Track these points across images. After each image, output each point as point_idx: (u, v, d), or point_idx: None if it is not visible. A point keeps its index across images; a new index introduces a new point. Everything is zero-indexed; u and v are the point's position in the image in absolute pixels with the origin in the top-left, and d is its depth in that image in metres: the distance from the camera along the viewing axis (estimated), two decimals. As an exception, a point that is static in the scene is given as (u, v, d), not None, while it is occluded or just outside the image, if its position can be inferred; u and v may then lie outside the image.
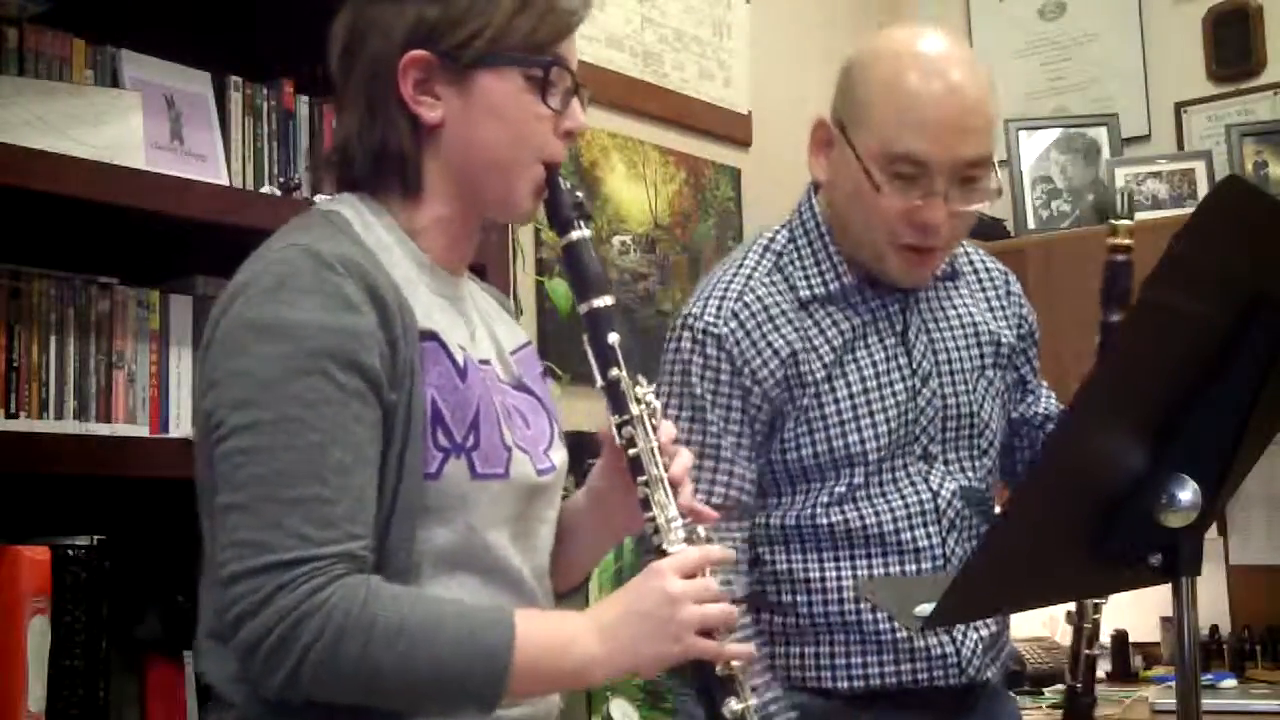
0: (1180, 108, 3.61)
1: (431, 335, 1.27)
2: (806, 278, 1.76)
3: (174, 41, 1.93)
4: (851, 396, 1.71)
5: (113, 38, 1.86)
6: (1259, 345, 1.13)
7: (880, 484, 1.71)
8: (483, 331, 1.39)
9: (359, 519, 1.18)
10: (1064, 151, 3.64)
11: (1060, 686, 2.74)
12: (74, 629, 1.60)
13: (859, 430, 1.71)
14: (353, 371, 1.19)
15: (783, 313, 1.73)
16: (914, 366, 1.75)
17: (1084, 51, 3.78)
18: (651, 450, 1.30)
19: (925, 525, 1.71)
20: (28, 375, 1.67)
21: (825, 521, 1.70)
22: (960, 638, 1.71)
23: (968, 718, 1.77)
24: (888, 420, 1.72)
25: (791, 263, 1.77)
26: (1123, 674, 3.15)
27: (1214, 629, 3.21)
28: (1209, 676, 2.97)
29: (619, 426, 1.32)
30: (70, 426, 1.70)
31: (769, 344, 1.71)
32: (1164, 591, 1.19)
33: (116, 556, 1.65)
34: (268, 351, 1.18)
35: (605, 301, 1.34)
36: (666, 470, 1.30)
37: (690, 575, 1.25)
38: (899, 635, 1.68)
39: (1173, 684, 1.30)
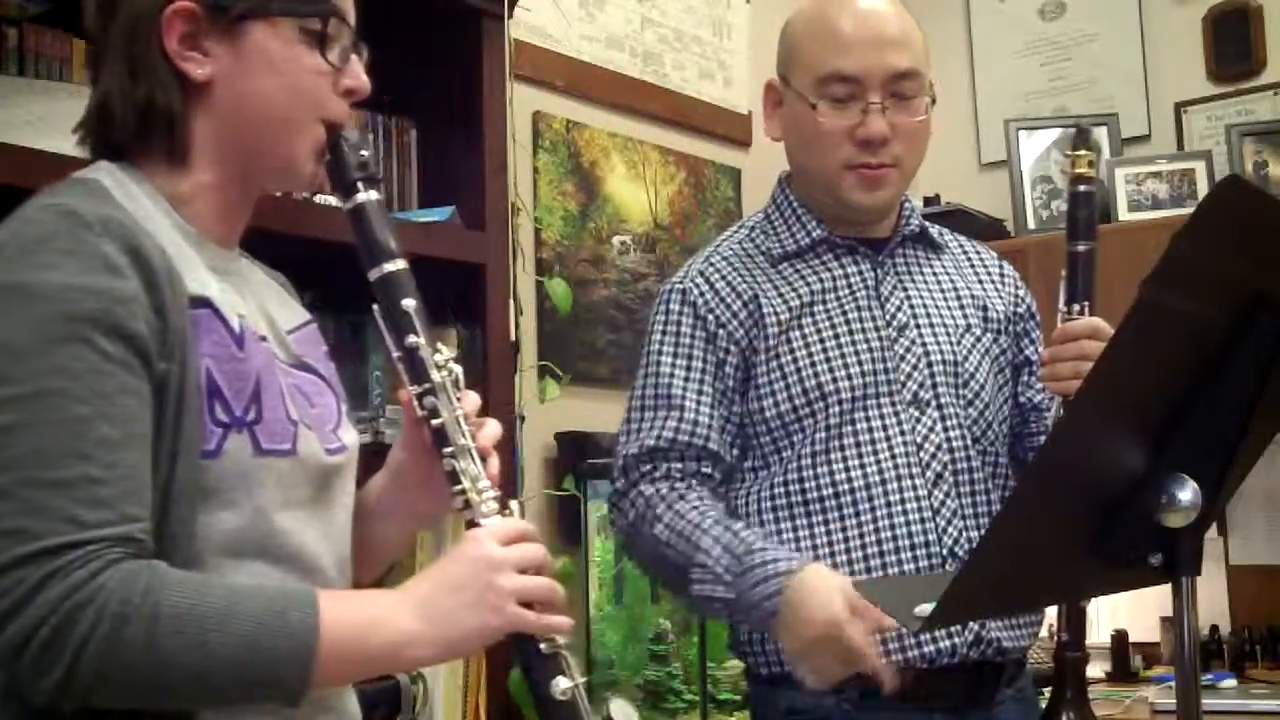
0: (1180, 108, 3.61)
1: (204, 301, 1.16)
2: (778, 238, 1.82)
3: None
4: (821, 340, 1.74)
5: (113, 38, 1.86)
6: (1259, 345, 1.13)
7: (862, 430, 1.71)
8: (255, 309, 1.27)
9: (134, 499, 1.06)
10: (1064, 152, 3.64)
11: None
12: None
13: (830, 370, 1.72)
14: (117, 338, 1.08)
15: (751, 268, 1.79)
16: (888, 319, 1.77)
17: (1084, 51, 3.78)
18: (456, 419, 1.23)
19: (911, 477, 1.71)
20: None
21: (811, 481, 1.71)
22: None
23: (989, 711, 1.74)
24: (860, 363, 1.73)
25: (764, 231, 1.84)
26: (1123, 674, 3.15)
27: (1214, 629, 3.21)
28: (1209, 676, 2.97)
29: (420, 396, 1.24)
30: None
31: (733, 289, 1.77)
32: (1164, 591, 1.19)
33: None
34: (21, 318, 1.06)
35: (396, 265, 1.25)
36: (474, 440, 1.24)
37: (511, 543, 1.18)
38: None
39: (1173, 684, 1.30)
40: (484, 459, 1.25)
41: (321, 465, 1.23)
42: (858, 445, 1.71)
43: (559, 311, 2.77)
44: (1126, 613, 3.10)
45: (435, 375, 1.24)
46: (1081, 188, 1.79)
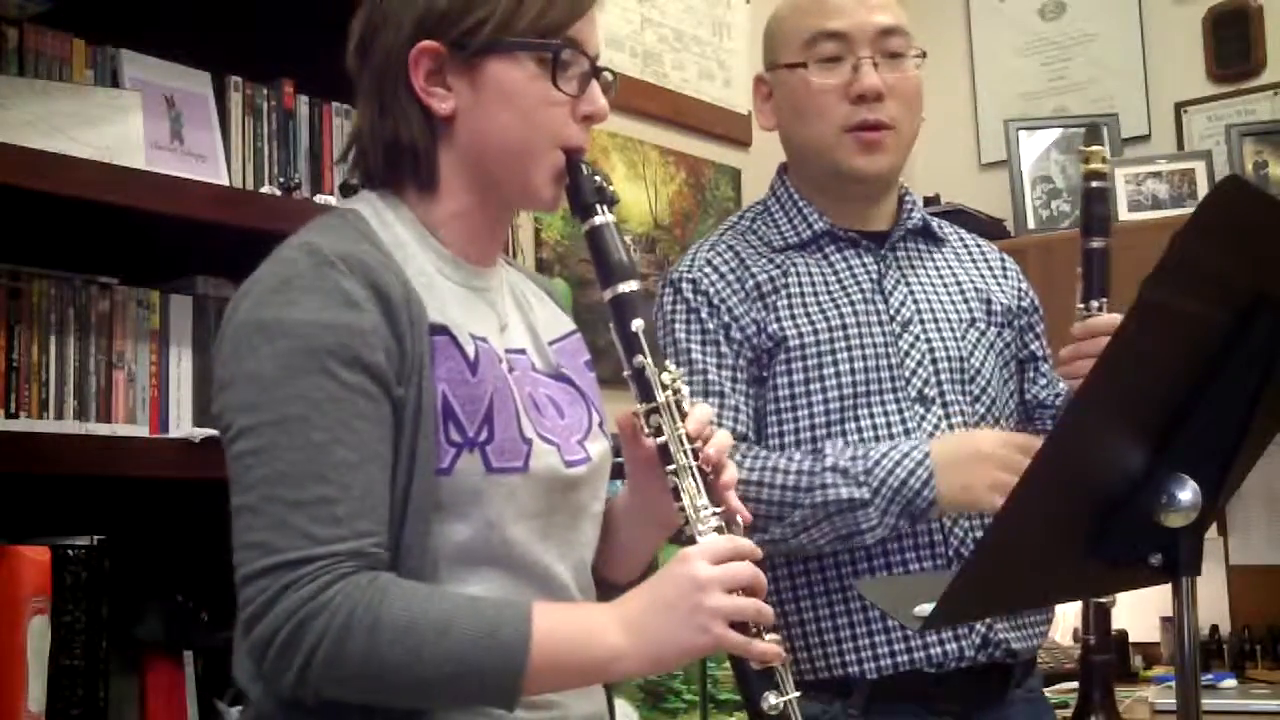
0: (1180, 108, 3.61)
1: (442, 329, 1.25)
2: (779, 230, 1.82)
3: (174, 41, 1.93)
4: (830, 329, 1.73)
5: (113, 38, 1.87)
6: (1259, 345, 1.13)
7: (862, 429, 1.71)
8: (517, 321, 1.38)
9: (367, 516, 1.16)
10: (1064, 151, 3.64)
11: (1063, 686, 2.75)
12: (74, 629, 1.61)
13: (834, 361, 1.72)
14: (356, 368, 1.17)
15: (754, 258, 1.79)
16: (891, 313, 1.77)
17: (1084, 51, 3.78)
18: (679, 438, 1.27)
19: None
20: (28, 375, 1.67)
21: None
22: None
23: (999, 711, 1.74)
24: (864, 356, 1.73)
25: (765, 223, 1.84)
26: (1123, 674, 3.15)
27: (1214, 629, 3.21)
28: (1209, 676, 2.97)
29: (647, 415, 1.29)
30: (70, 426, 1.70)
31: (740, 281, 1.76)
32: (1164, 591, 1.19)
33: (116, 556, 1.65)
34: (269, 351, 1.17)
35: (630, 287, 1.31)
36: (697, 458, 1.27)
37: (720, 562, 1.20)
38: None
39: (1173, 684, 1.30)
40: (708, 475, 1.27)
41: (558, 478, 1.29)
42: (861, 440, 1.70)
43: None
44: (1126, 613, 3.09)
45: (659, 395, 1.28)
46: (1095, 184, 1.79)
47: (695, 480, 1.26)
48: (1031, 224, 3.62)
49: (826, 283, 1.77)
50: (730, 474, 1.29)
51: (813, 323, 1.74)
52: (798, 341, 1.72)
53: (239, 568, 1.16)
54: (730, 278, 1.76)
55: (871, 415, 1.71)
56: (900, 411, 1.72)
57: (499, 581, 1.24)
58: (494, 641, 1.14)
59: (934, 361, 1.75)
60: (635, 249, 3.20)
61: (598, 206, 1.31)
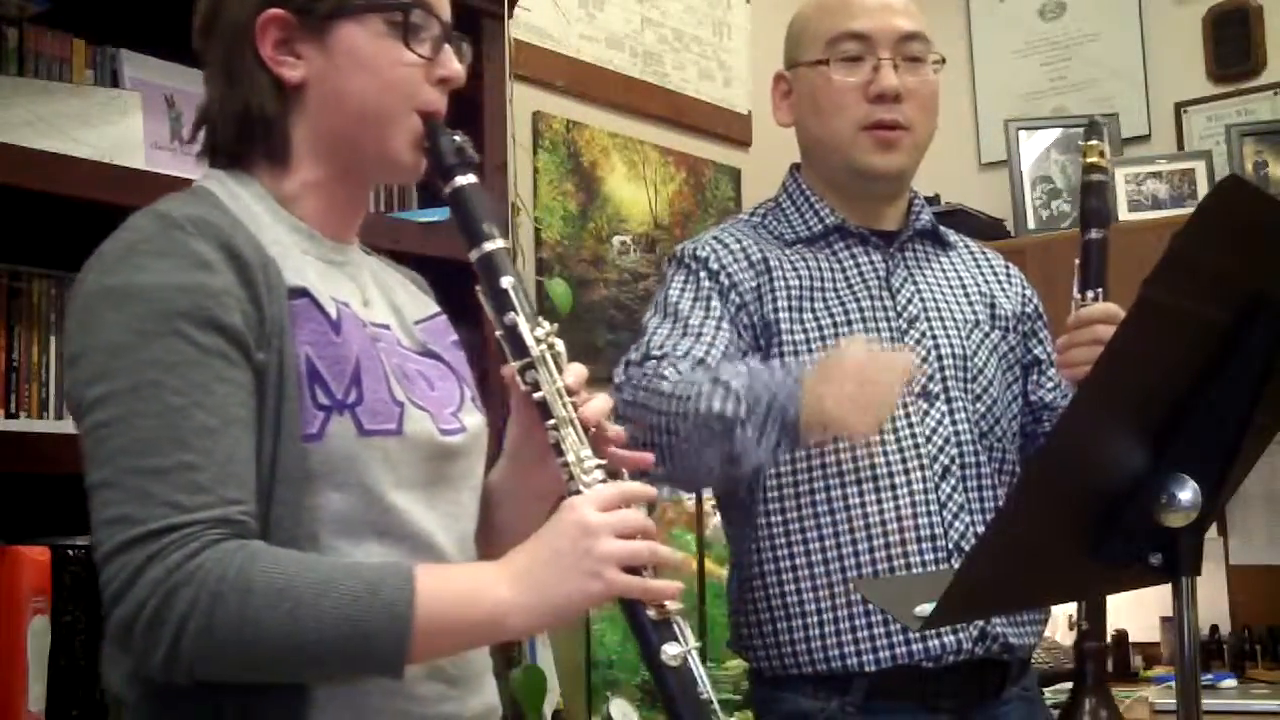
0: (1180, 108, 3.61)
1: (301, 292, 1.20)
2: (790, 224, 1.84)
3: (174, 41, 1.93)
4: (834, 321, 1.74)
5: (113, 38, 1.87)
6: (1259, 345, 1.13)
7: None
8: (380, 300, 1.33)
9: (233, 482, 1.11)
10: (1064, 151, 3.64)
11: (1062, 686, 2.74)
12: (74, 629, 1.60)
13: None
14: (211, 330, 1.12)
15: (763, 244, 1.80)
16: (899, 310, 1.78)
17: (1084, 51, 3.78)
18: (557, 390, 1.24)
19: (920, 469, 1.70)
20: (28, 375, 1.67)
21: (819, 468, 1.70)
22: None
23: (996, 708, 1.73)
24: None
25: (776, 219, 1.85)
26: (1123, 674, 3.15)
27: (1214, 629, 3.21)
28: (1209, 676, 2.97)
29: (521, 371, 1.25)
30: (70, 426, 1.69)
31: (747, 257, 1.77)
32: (1164, 591, 1.19)
33: (116, 556, 1.65)
34: (118, 318, 1.12)
35: (496, 245, 1.28)
36: (578, 410, 1.24)
37: (610, 509, 1.18)
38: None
39: (1173, 684, 1.30)
40: (590, 430, 1.24)
41: (435, 444, 1.25)
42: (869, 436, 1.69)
43: (559, 311, 2.77)
44: (1126, 613, 3.09)
45: (535, 349, 1.25)
46: (1094, 177, 1.80)
47: (577, 432, 1.23)
48: (1031, 224, 3.62)
49: (834, 277, 1.78)
50: (614, 430, 1.26)
51: (817, 317, 1.74)
52: (803, 335, 1.73)
53: (98, 548, 1.09)
54: (735, 249, 1.78)
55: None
56: (904, 406, 1.72)
57: (383, 554, 1.19)
58: (376, 600, 1.09)
59: (939, 358, 1.76)
60: (635, 249, 3.20)
61: (459, 168, 1.28)
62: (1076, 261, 1.80)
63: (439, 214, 2.20)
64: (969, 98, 3.90)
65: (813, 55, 1.80)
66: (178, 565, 1.07)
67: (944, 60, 1.85)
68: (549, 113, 3.03)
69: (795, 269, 1.77)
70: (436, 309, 1.42)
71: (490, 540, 1.37)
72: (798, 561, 1.71)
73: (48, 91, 1.75)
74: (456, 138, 1.29)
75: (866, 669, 1.66)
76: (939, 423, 1.73)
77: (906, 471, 1.70)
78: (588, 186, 3.10)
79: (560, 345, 1.27)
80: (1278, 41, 3.50)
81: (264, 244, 1.20)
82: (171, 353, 1.11)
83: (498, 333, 1.27)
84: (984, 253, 1.96)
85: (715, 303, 1.73)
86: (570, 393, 1.25)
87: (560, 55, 3.06)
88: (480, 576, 1.17)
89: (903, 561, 1.68)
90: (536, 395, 1.25)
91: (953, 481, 1.72)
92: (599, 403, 1.27)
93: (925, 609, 1.17)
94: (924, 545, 1.69)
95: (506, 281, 1.27)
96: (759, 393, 1.55)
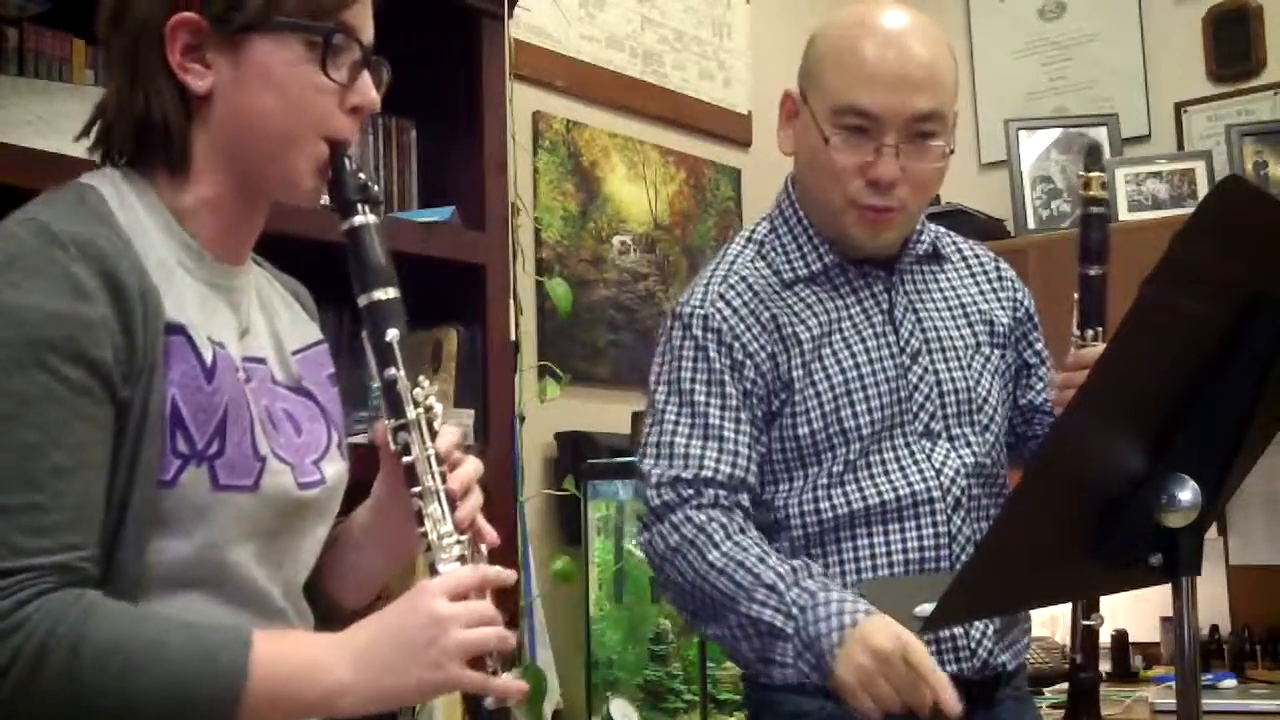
0: (1180, 108, 3.61)
1: (178, 329, 1.15)
2: (789, 261, 1.78)
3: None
4: (843, 372, 1.72)
5: (113, 38, 1.86)
6: (1259, 345, 1.13)
7: (879, 462, 1.70)
8: (261, 326, 1.28)
9: (78, 528, 1.06)
10: (1064, 151, 3.64)
11: (1062, 686, 2.74)
12: None
13: (851, 405, 1.70)
14: (79, 365, 1.07)
15: (768, 292, 1.75)
16: (902, 344, 1.76)
17: (1084, 51, 3.78)
18: (428, 459, 1.19)
19: (931, 504, 1.70)
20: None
21: (827, 504, 1.69)
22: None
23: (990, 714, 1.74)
24: (880, 395, 1.71)
25: (774, 249, 1.80)
26: (1123, 674, 3.15)
27: (1214, 629, 3.21)
28: (1209, 676, 2.96)
29: (394, 431, 1.20)
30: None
31: (756, 318, 1.73)
32: (1164, 591, 1.19)
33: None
34: None
35: (387, 294, 1.21)
36: (445, 481, 1.20)
37: (462, 597, 1.14)
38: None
39: (1173, 684, 1.30)
40: (455, 501, 1.21)
41: (289, 500, 1.21)
42: (872, 477, 1.70)
43: (559, 311, 2.77)
44: (1126, 613, 3.09)
45: (410, 412, 1.20)
46: (1094, 210, 1.77)
47: (441, 505, 1.19)
48: (1031, 224, 3.62)
49: (839, 319, 1.75)
50: (475, 499, 1.23)
51: (825, 366, 1.72)
52: (813, 389, 1.71)
53: None
54: (744, 311, 1.73)
55: (884, 453, 1.71)
56: (908, 446, 1.72)
57: (209, 606, 1.15)
58: (210, 667, 1.06)
59: (940, 395, 1.75)
60: (635, 249, 3.20)
61: (359, 205, 1.22)
62: (1075, 296, 1.78)
63: (439, 214, 2.20)
64: (969, 98, 3.90)
65: (818, 110, 1.72)
66: (6, 613, 1.01)
67: (953, 150, 1.75)
68: (549, 113, 3.03)
69: (803, 320, 1.74)
70: (317, 336, 1.36)
71: (344, 580, 1.34)
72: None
73: (48, 91, 1.75)
74: (362, 174, 1.23)
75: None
76: (944, 460, 1.73)
77: (916, 505, 1.70)
78: (588, 186, 3.10)
79: (438, 408, 1.23)
80: (1278, 41, 3.50)
81: (148, 267, 1.14)
82: (32, 385, 1.05)
83: (374, 384, 1.23)
84: (976, 256, 1.92)
85: (731, 389, 1.70)
86: (440, 461, 1.20)
87: (560, 55, 3.06)
88: (319, 654, 1.12)
89: (904, 572, 1.68)
90: (406, 459, 1.20)
91: (961, 514, 1.72)
92: (467, 470, 1.24)
93: (926, 609, 1.17)
94: (927, 554, 1.69)
95: (391, 335, 1.21)
96: (805, 626, 1.57)
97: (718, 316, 1.72)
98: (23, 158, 1.60)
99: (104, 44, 1.25)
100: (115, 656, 1.03)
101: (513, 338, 2.34)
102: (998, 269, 1.93)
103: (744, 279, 1.76)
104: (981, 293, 1.87)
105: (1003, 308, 1.87)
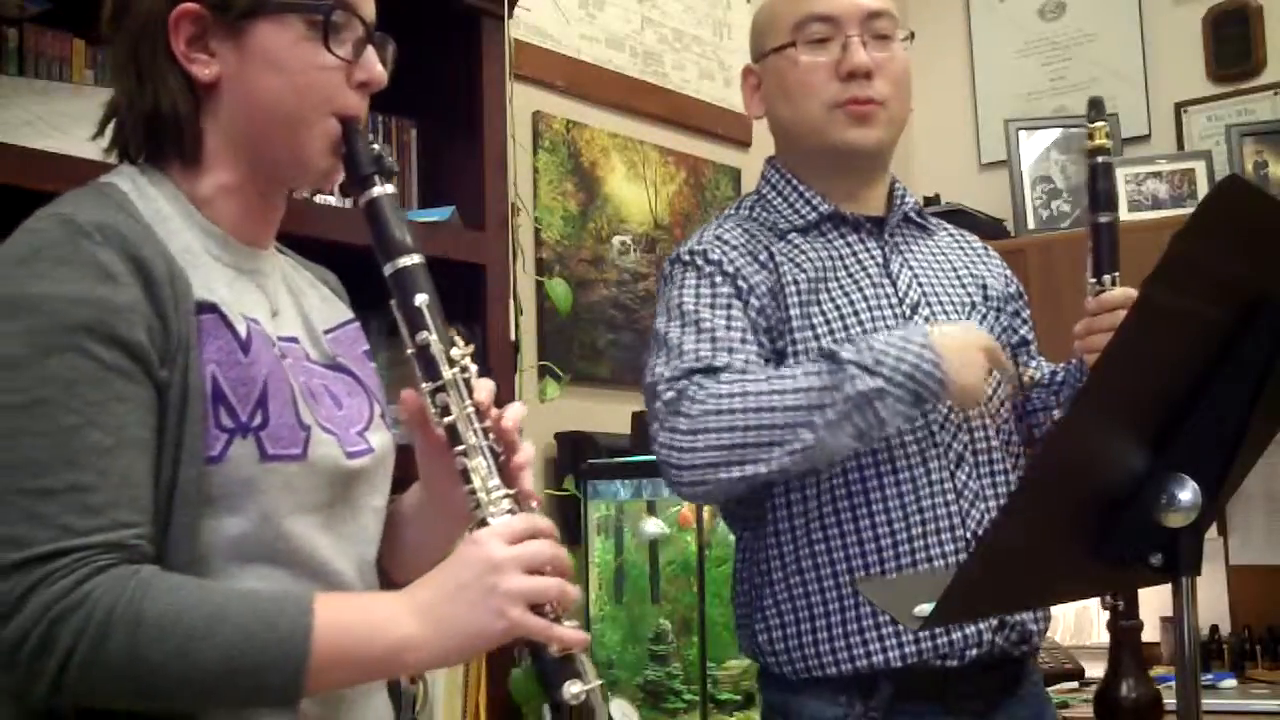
0: (1180, 108, 3.61)
1: (210, 307, 1.16)
2: (782, 214, 1.81)
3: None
4: (842, 317, 1.72)
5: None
6: (1259, 345, 1.13)
7: None
8: (289, 308, 1.29)
9: (127, 505, 1.07)
10: (1064, 151, 3.65)
11: (1063, 686, 2.75)
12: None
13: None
14: (112, 346, 1.08)
15: (763, 240, 1.77)
16: (900, 296, 1.77)
17: (1084, 51, 3.78)
18: (468, 416, 1.20)
19: (936, 458, 1.70)
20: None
21: (837, 464, 1.68)
22: None
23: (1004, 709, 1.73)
24: None
25: (764, 208, 1.83)
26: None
27: (1214, 629, 3.21)
28: (1209, 676, 2.96)
29: (432, 394, 1.21)
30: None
31: (753, 255, 1.75)
32: (1164, 591, 1.19)
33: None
34: (16, 329, 1.07)
35: (411, 260, 1.22)
36: (488, 436, 1.20)
37: (517, 542, 1.14)
38: None
39: (1173, 684, 1.30)
40: (503, 451, 1.21)
41: (339, 469, 1.22)
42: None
43: (559, 311, 2.77)
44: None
45: (446, 372, 1.21)
46: (1100, 159, 1.79)
47: (486, 460, 1.19)
48: (1031, 224, 3.62)
49: (836, 268, 1.76)
50: (524, 453, 1.23)
51: (824, 311, 1.72)
52: (811, 332, 1.71)
53: None
54: (742, 249, 1.75)
55: None
56: None
57: (277, 579, 1.16)
58: (272, 634, 1.06)
59: None
60: (635, 249, 3.20)
61: (375, 178, 1.23)
62: (1089, 245, 1.79)
63: (439, 214, 2.20)
64: (969, 98, 3.90)
65: (778, 40, 1.78)
66: (66, 592, 1.03)
67: (912, 36, 1.82)
68: (549, 113, 3.03)
69: (798, 263, 1.75)
70: (349, 315, 1.37)
71: (399, 559, 1.34)
72: (819, 560, 1.70)
73: (48, 91, 1.75)
74: (375, 146, 1.24)
75: (892, 664, 1.65)
76: (950, 409, 1.72)
77: (925, 461, 1.69)
78: (588, 186, 3.10)
79: (473, 366, 1.23)
80: (1278, 41, 3.50)
81: (174, 252, 1.15)
82: (69, 369, 1.07)
83: (409, 351, 1.22)
84: (963, 235, 1.95)
85: (736, 311, 1.70)
86: (481, 416, 1.21)
87: (560, 55, 3.06)
88: (381, 610, 1.13)
89: (924, 554, 1.67)
90: (446, 420, 1.20)
91: (967, 469, 1.71)
92: (513, 412, 1.24)
93: (925, 609, 1.17)
94: (943, 536, 1.68)
95: (420, 299, 1.22)
96: (891, 364, 1.58)
97: (718, 251, 1.74)
98: (23, 157, 1.60)
99: (108, 43, 1.25)
100: (176, 630, 1.04)
101: (513, 338, 2.34)
102: (985, 249, 1.96)
103: (739, 226, 1.79)
104: (972, 262, 1.90)
105: (994, 277, 1.90)
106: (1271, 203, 1.14)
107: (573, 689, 1.14)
